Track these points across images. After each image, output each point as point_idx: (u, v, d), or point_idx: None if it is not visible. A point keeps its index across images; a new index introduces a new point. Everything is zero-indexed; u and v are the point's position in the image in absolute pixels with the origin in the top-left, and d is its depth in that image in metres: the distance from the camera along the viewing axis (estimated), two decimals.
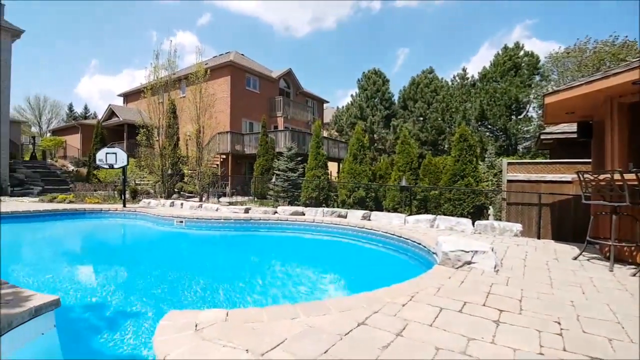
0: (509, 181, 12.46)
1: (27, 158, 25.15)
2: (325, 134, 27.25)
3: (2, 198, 14.09)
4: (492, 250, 4.26)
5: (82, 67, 76.46)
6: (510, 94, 21.21)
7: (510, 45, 23.87)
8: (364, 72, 26.95)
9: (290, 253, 7.95)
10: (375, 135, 25.00)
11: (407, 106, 25.55)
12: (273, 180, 13.04)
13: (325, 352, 1.97)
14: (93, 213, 11.07)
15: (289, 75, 27.51)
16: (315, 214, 9.67)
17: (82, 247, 8.66)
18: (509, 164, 12.63)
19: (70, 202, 12.80)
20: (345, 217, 9.18)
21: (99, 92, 72.11)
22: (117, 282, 5.43)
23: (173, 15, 73.03)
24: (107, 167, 11.91)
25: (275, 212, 10.20)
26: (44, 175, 19.94)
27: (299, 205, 11.71)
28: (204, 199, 14.63)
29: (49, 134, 39.26)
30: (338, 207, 11.47)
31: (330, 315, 2.56)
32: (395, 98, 26.57)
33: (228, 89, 22.33)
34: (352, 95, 27.39)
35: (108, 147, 11.77)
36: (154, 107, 15.52)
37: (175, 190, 16.08)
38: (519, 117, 22.74)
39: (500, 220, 10.69)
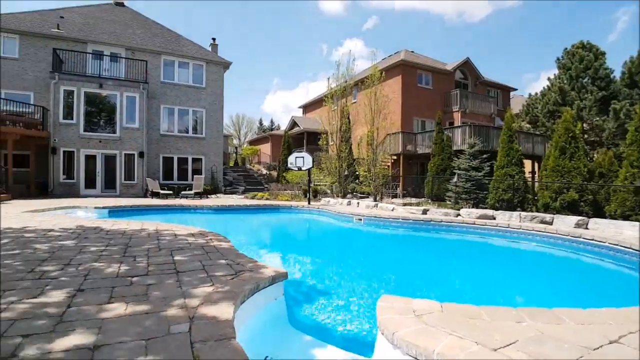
0: None
1: (231, 164, 32.32)
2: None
3: (217, 195, 18.53)
4: None
5: (267, 86, 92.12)
6: None
7: None
8: (565, 48, 22.69)
9: (483, 258, 7.49)
10: (585, 125, 20.72)
11: (635, 83, 20.13)
12: (454, 180, 12.45)
13: None
14: (285, 208, 13.52)
15: (465, 65, 25.83)
16: (509, 219, 8.77)
17: (282, 235, 10.73)
18: None
19: (267, 199, 15.73)
20: (551, 223, 7.97)
21: (280, 106, 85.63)
22: (318, 266, 6.35)
23: (340, 25, 79.83)
24: (296, 169, 14.09)
25: (458, 215, 9.76)
26: (245, 178, 25.27)
27: (485, 207, 10.82)
28: (377, 198, 15.33)
29: (246, 144, 49.03)
30: (538, 211, 10.03)
31: (564, 325, 2.31)
32: (616, 75, 21.29)
33: (399, 89, 22.65)
34: (548, 79, 23.48)
35: (297, 152, 13.81)
36: (331, 113, 17.35)
37: (349, 190, 17.46)
38: None
39: None
